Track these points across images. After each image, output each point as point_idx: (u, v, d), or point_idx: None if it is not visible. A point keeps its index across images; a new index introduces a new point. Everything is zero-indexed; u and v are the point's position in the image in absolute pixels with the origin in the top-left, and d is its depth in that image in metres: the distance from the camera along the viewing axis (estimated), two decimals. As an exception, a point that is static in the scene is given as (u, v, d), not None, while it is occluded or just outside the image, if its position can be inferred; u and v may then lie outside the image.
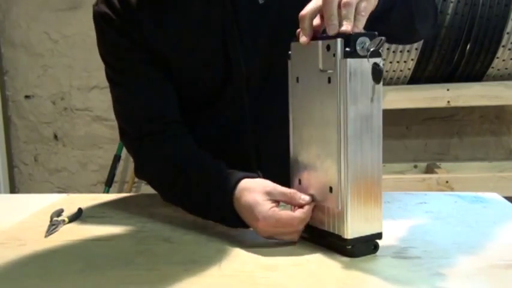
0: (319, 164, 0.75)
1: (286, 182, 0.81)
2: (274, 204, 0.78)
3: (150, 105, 0.97)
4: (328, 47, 0.71)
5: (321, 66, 0.72)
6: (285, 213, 0.77)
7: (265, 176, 0.85)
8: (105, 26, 0.95)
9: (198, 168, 0.90)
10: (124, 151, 2.57)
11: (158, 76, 0.97)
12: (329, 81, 0.71)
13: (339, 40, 0.69)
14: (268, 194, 0.78)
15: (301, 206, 0.77)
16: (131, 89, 0.98)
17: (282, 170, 0.82)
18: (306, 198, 0.77)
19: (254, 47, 0.94)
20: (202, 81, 0.97)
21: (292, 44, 0.77)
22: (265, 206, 0.77)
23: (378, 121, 0.72)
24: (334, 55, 0.70)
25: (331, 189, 0.73)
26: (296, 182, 0.80)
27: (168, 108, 0.98)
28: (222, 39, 0.93)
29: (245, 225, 0.83)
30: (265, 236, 0.79)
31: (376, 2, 0.77)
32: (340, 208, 0.72)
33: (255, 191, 0.79)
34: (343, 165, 0.71)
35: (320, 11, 0.73)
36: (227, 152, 0.92)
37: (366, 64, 0.70)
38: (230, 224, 0.85)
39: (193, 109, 1.00)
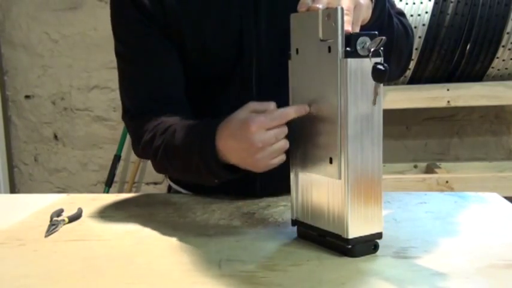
0: (319, 136, 0.74)
1: (288, 172, 0.81)
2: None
3: (157, 84, 0.97)
4: (328, 16, 0.70)
5: (321, 35, 0.72)
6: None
7: None
8: None
9: (186, 123, 0.91)
10: (124, 151, 2.58)
11: (169, 56, 0.97)
12: (329, 50, 0.71)
13: (339, 8, 0.69)
14: (250, 109, 0.80)
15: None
16: (139, 66, 0.98)
17: (285, 161, 0.82)
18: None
19: (268, 36, 0.95)
20: (212, 63, 0.98)
21: (292, 15, 0.76)
22: (253, 114, 0.78)
23: (379, 121, 0.72)
24: (334, 24, 0.70)
25: (331, 160, 0.73)
26: (295, 154, 0.79)
27: (174, 89, 0.98)
28: (240, 22, 0.95)
29: (231, 172, 0.83)
30: (259, 151, 0.78)
31: (367, 13, 0.80)
32: (341, 178, 0.72)
33: (238, 112, 0.81)
34: (343, 158, 0.71)
35: None
36: None
37: (367, 64, 0.70)
38: (214, 169, 0.84)
39: (200, 96, 1.01)
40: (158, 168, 0.99)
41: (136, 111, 0.99)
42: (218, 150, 0.82)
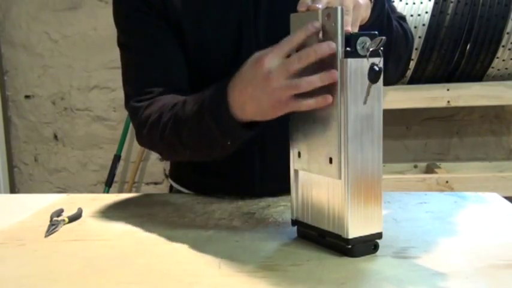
0: (319, 135, 0.74)
1: (288, 172, 0.80)
2: None
3: (158, 70, 0.97)
4: (328, 16, 0.70)
5: (321, 35, 0.72)
6: None
7: (268, 167, 0.83)
8: None
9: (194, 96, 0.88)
10: (124, 151, 2.58)
11: (171, 44, 0.97)
12: None
13: (339, 8, 0.69)
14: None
15: None
16: (141, 53, 0.99)
17: (284, 161, 0.81)
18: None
19: (267, 35, 0.95)
20: (211, 59, 0.98)
21: (292, 15, 0.76)
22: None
23: (378, 121, 0.72)
24: (334, 24, 0.69)
25: (331, 160, 0.73)
26: (295, 154, 0.79)
27: (176, 76, 0.98)
28: (239, 20, 0.95)
29: (246, 128, 0.80)
30: (273, 82, 0.72)
31: (366, 13, 0.79)
32: (341, 178, 0.71)
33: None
34: (343, 158, 0.71)
35: None
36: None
37: (367, 64, 0.70)
38: (227, 125, 0.79)
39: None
40: (166, 149, 0.96)
41: (139, 95, 0.98)
42: (230, 103, 0.78)
